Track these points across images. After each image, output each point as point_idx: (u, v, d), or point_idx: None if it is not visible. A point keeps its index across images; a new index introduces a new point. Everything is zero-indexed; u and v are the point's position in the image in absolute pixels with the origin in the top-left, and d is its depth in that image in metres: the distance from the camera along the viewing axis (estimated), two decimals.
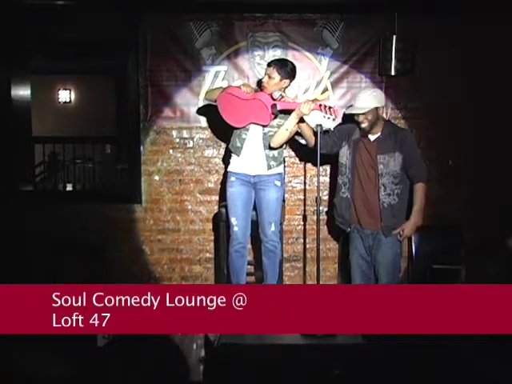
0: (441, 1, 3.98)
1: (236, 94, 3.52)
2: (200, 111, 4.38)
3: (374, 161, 3.59)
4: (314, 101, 3.53)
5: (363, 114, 3.50)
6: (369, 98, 3.50)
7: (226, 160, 3.69)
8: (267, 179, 3.58)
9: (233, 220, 3.64)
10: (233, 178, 3.63)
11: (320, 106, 3.40)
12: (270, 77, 3.50)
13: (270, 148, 3.55)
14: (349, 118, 4.30)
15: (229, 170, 3.67)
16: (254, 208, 3.69)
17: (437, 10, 4.11)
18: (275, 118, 3.51)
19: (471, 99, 4.36)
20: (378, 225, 3.63)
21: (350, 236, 3.79)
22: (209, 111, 4.13)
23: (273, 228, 3.61)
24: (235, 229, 3.63)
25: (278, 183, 3.62)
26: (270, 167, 3.58)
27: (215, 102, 3.61)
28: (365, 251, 3.75)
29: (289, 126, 3.46)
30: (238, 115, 3.54)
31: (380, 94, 3.63)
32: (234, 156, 3.64)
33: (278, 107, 3.44)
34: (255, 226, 3.71)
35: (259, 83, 4.12)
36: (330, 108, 3.38)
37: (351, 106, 3.61)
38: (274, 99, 3.48)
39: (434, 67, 4.31)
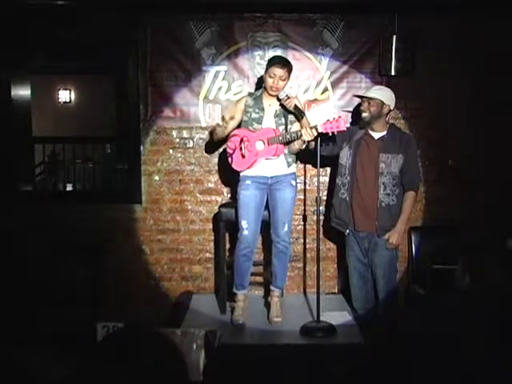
0: (441, 1, 3.98)
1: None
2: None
3: (376, 159, 3.60)
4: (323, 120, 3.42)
5: (367, 102, 3.57)
6: (378, 92, 3.63)
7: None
8: (284, 179, 3.53)
9: (243, 223, 3.52)
10: (248, 182, 3.52)
11: (321, 133, 3.35)
12: (282, 79, 3.43)
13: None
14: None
15: (243, 173, 3.55)
16: (266, 208, 3.61)
17: (437, 10, 4.10)
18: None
19: (471, 99, 4.36)
20: (372, 227, 3.63)
21: (347, 238, 3.79)
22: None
23: (286, 228, 3.55)
24: (245, 232, 3.52)
25: (294, 182, 3.58)
26: (289, 165, 3.54)
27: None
28: (361, 253, 3.76)
29: (299, 145, 3.47)
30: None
31: (391, 94, 3.69)
32: None
33: (282, 139, 3.44)
34: (265, 227, 3.66)
35: (259, 83, 4.13)
36: (332, 133, 3.35)
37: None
38: (279, 99, 3.47)
39: (434, 67, 4.31)
